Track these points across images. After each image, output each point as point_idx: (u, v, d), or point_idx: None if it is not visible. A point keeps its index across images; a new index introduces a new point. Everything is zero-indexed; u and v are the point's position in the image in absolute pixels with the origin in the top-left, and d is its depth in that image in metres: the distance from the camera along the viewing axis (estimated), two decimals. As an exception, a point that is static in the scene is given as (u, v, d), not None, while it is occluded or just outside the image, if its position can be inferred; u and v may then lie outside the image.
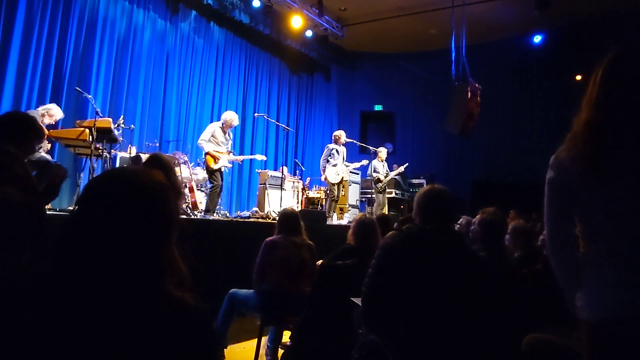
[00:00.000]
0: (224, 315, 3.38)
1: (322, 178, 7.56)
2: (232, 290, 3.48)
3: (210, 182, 6.10)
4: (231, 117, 6.17)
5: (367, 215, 3.14)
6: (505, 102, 10.96)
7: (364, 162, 8.25)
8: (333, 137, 7.68)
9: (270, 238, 3.40)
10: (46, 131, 5.07)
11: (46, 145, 5.01)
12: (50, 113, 4.98)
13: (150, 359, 0.82)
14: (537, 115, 10.79)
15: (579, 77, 9.96)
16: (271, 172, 8.10)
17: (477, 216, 2.69)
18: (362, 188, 9.35)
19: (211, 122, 8.92)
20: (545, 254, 3.13)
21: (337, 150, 7.50)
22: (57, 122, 5.28)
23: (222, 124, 6.16)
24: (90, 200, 0.88)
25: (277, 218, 3.82)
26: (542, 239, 3.28)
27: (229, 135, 6.25)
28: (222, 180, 6.09)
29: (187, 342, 0.85)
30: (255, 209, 7.51)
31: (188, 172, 6.45)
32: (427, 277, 1.89)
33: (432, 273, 1.89)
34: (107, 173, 0.96)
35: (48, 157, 4.74)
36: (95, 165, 5.00)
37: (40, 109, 4.99)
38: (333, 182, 7.40)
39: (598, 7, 9.07)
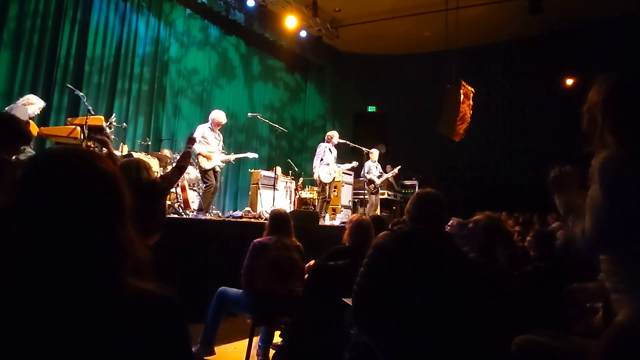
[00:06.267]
0: (213, 313, 3.35)
1: (315, 176, 7.55)
2: (222, 288, 3.44)
3: (204, 182, 6.06)
4: (218, 115, 6.10)
5: (364, 217, 3.13)
6: (498, 105, 11.05)
7: (355, 164, 8.25)
8: (326, 137, 7.68)
9: (258, 240, 3.35)
10: (36, 128, 5.02)
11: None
12: (30, 101, 4.91)
13: (115, 354, 0.75)
14: (528, 117, 10.89)
15: (570, 81, 10.08)
16: (264, 172, 8.07)
17: (479, 219, 2.61)
18: (354, 189, 9.36)
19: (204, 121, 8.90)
20: (533, 256, 3.16)
21: (330, 150, 7.51)
22: (42, 112, 5.16)
23: (211, 124, 6.11)
24: (30, 181, 0.80)
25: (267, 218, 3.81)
26: (529, 240, 3.30)
27: (218, 134, 6.21)
28: (216, 180, 6.06)
29: (154, 333, 0.79)
30: (248, 208, 7.49)
31: (180, 171, 6.42)
32: (419, 277, 1.89)
33: (424, 273, 1.90)
34: (45, 152, 0.88)
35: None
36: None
37: (20, 101, 4.90)
38: (325, 181, 7.40)
39: (590, 12, 9.19)
